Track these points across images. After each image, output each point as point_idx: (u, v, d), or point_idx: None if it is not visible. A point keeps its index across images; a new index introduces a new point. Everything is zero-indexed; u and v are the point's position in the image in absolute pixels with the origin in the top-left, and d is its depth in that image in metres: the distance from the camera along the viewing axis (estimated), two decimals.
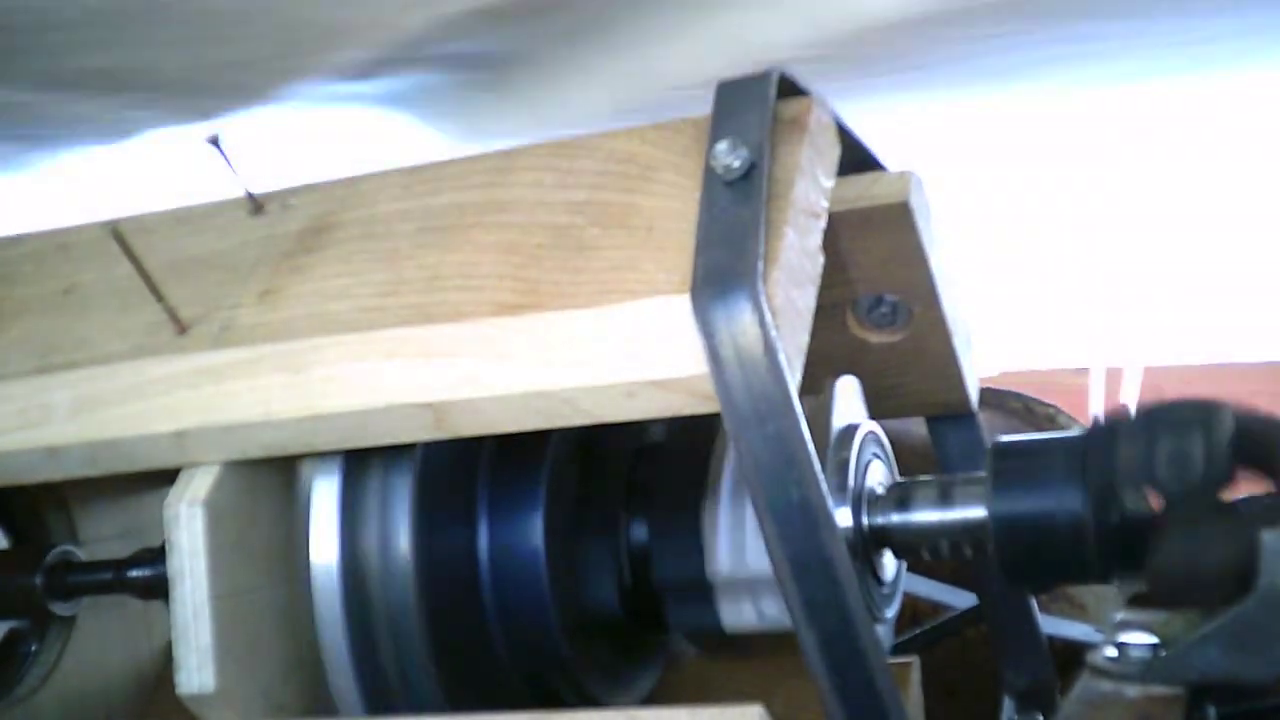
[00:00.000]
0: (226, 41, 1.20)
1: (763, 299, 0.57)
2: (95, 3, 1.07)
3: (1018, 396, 1.15)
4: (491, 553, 0.72)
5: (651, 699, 0.80)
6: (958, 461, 0.81)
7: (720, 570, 0.69)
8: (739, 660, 0.79)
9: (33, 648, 0.91)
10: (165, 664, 0.95)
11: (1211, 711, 0.62)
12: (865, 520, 0.68)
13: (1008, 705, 0.81)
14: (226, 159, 0.73)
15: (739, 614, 0.71)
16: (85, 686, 0.92)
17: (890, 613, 0.71)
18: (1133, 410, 0.63)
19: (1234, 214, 2.10)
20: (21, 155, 1.54)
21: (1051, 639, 0.84)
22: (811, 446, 0.58)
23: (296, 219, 0.74)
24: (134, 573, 0.81)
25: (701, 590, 0.70)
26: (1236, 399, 0.63)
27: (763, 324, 0.57)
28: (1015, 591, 0.81)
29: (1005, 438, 0.68)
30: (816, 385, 0.69)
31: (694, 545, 0.70)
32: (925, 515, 0.68)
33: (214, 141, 0.72)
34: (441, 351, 0.64)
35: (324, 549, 0.68)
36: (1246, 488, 0.62)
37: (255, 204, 0.75)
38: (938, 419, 0.81)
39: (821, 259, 0.63)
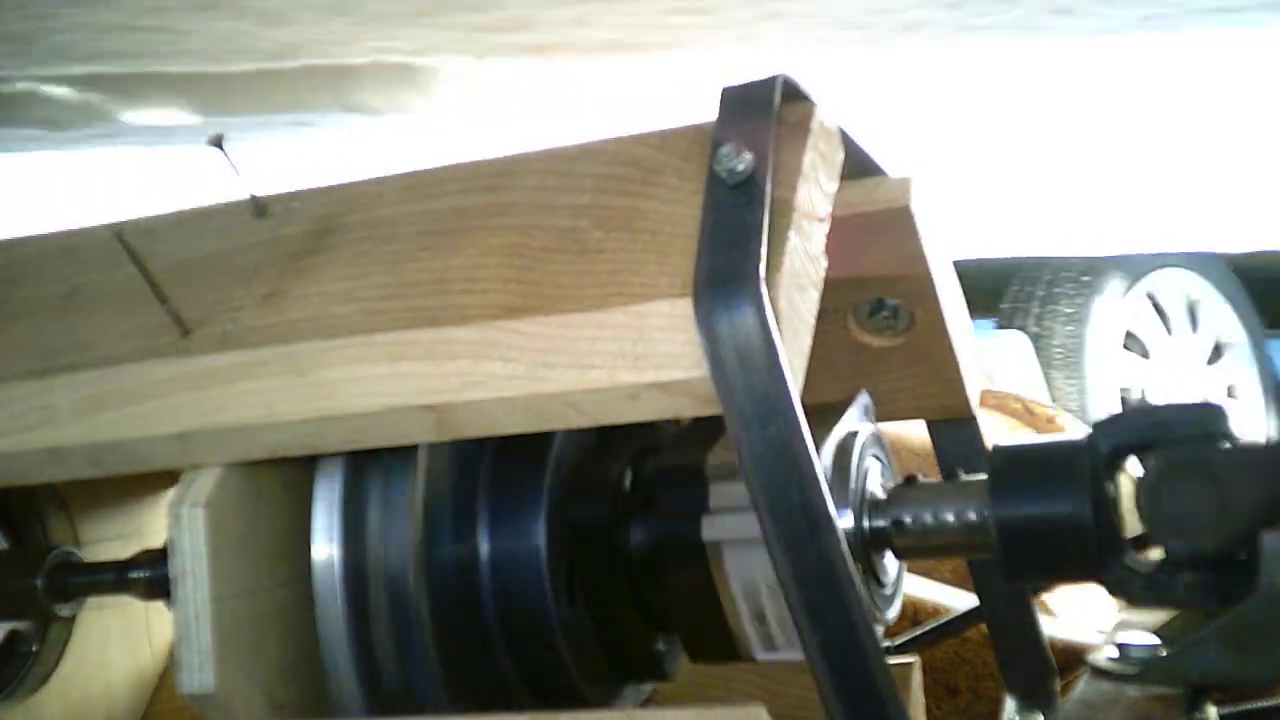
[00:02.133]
0: None
1: (765, 302, 0.57)
2: None
3: (1018, 398, 1.15)
4: (493, 554, 0.72)
5: (653, 700, 0.80)
6: (958, 463, 0.81)
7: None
8: (740, 661, 0.78)
9: (34, 648, 0.91)
10: (166, 664, 0.95)
11: (1212, 711, 0.62)
12: (866, 523, 0.68)
13: (1008, 705, 0.81)
14: (229, 161, 0.73)
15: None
16: (86, 687, 0.92)
17: (891, 613, 0.71)
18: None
19: None
20: None
21: (1052, 638, 0.84)
22: (813, 450, 0.58)
23: (300, 221, 0.73)
24: (135, 574, 0.81)
25: (703, 588, 0.70)
26: None
27: (765, 327, 0.57)
28: (1016, 592, 0.81)
29: (1006, 441, 0.68)
30: (817, 388, 0.69)
31: (696, 544, 0.70)
32: (926, 517, 0.68)
33: (216, 143, 0.72)
34: (444, 354, 0.64)
35: (326, 550, 0.67)
36: None
37: (258, 206, 0.75)
38: (938, 421, 0.81)
39: (825, 263, 0.63)
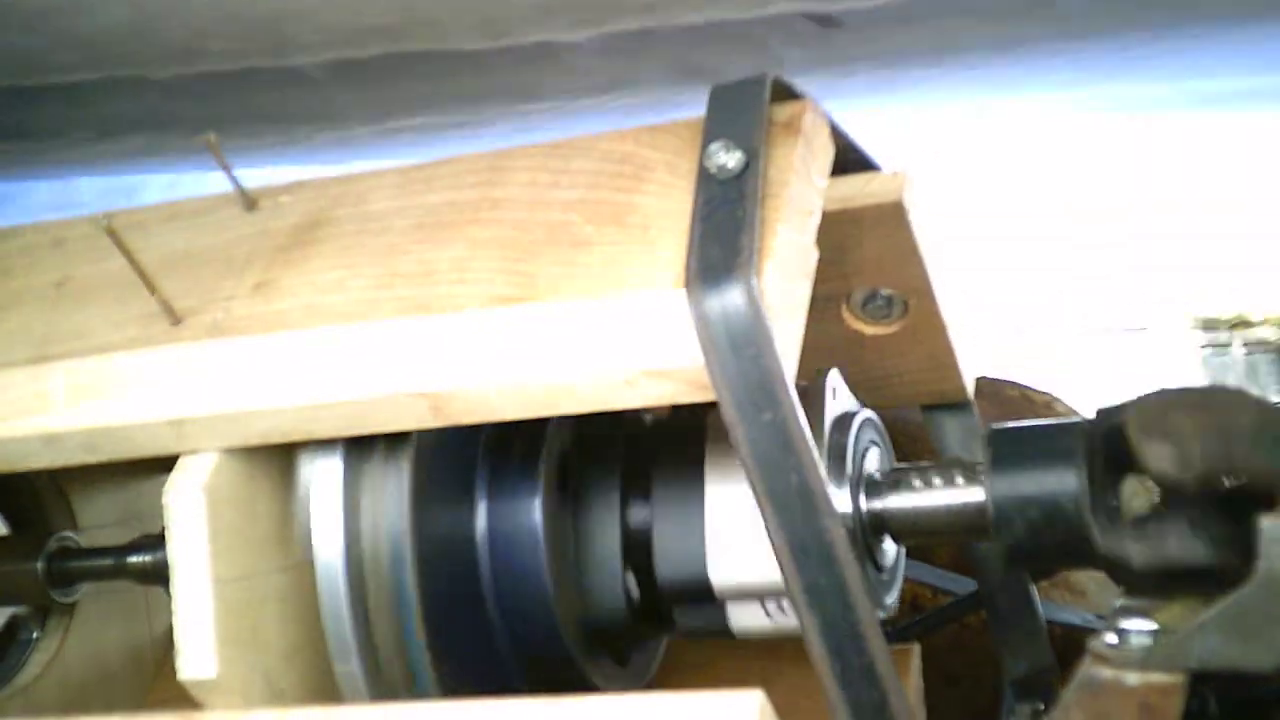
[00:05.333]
0: None
1: (756, 288, 0.57)
2: None
3: (1014, 384, 1.14)
4: (491, 536, 0.72)
5: (652, 685, 0.80)
6: (955, 448, 0.81)
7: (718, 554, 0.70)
8: (739, 645, 0.79)
9: (34, 634, 0.91)
10: (166, 650, 0.96)
11: (1211, 698, 0.62)
12: (864, 505, 0.68)
13: (1008, 692, 0.81)
14: (221, 159, 0.73)
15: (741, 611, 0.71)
16: (86, 672, 0.93)
17: (890, 599, 0.71)
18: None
19: None
20: None
21: (1051, 625, 0.84)
22: (809, 433, 0.58)
23: (290, 215, 0.73)
24: (134, 558, 0.81)
25: (700, 577, 0.70)
26: None
27: (757, 312, 0.57)
28: (1015, 576, 0.81)
29: (1004, 424, 0.67)
30: (813, 376, 0.69)
31: (694, 528, 0.70)
32: (924, 500, 0.68)
33: (208, 140, 0.72)
34: (438, 341, 0.64)
35: (326, 534, 0.67)
36: None
37: (248, 200, 0.75)
38: (934, 408, 0.81)
39: (816, 254, 0.63)
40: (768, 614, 0.70)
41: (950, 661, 0.97)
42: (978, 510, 0.66)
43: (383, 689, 0.68)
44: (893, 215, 0.71)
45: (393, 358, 0.64)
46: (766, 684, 0.57)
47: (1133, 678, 0.59)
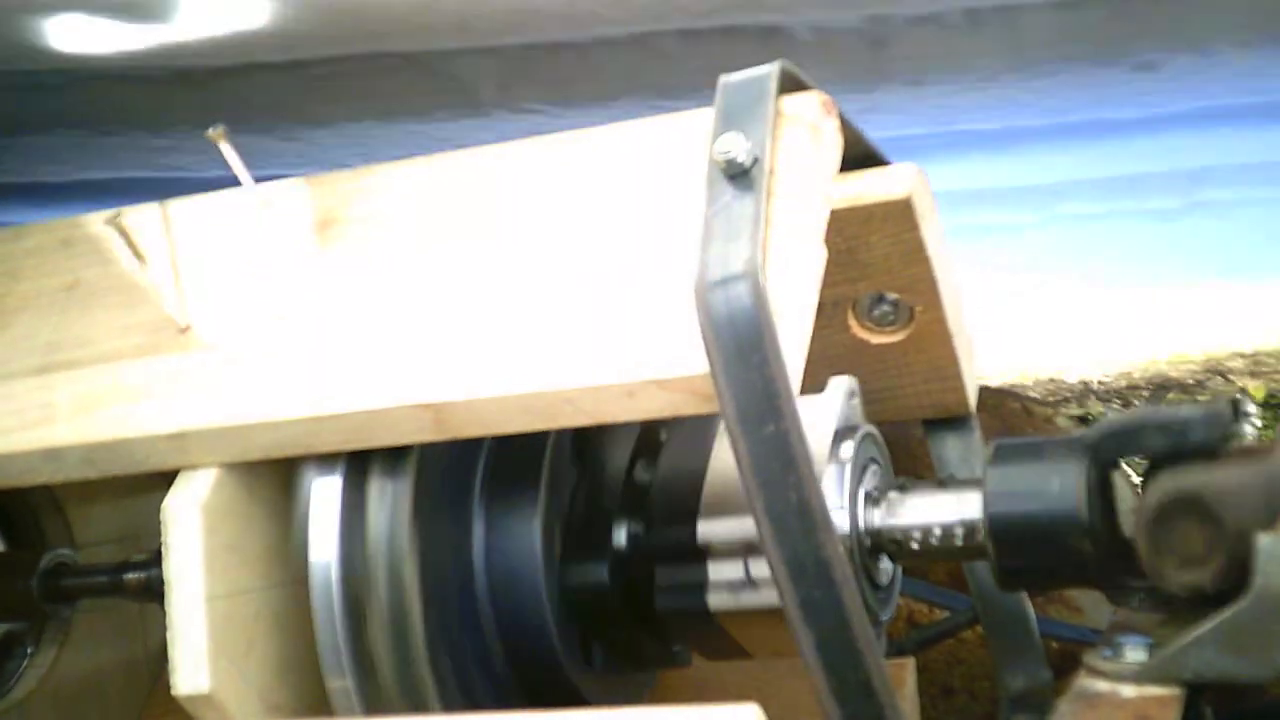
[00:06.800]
0: None
1: (764, 296, 0.57)
2: None
3: (1016, 398, 1.14)
4: (488, 553, 0.72)
5: (648, 700, 0.80)
6: (955, 465, 0.80)
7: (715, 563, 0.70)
8: (736, 660, 0.79)
9: (29, 649, 0.91)
10: (160, 664, 0.95)
11: (1208, 711, 0.62)
12: (862, 524, 0.68)
13: (1005, 704, 0.81)
14: (232, 155, 0.72)
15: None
16: (81, 687, 0.92)
17: (886, 614, 0.71)
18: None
19: None
20: None
21: (1048, 639, 0.84)
22: (810, 448, 0.57)
23: (301, 215, 0.73)
24: (130, 575, 0.81)
25: (697, 586, 0.70)
26: None
27: (764, 322, 0.57)
28: (1011, 596, 0.81)
29: (1004, 440, 0.67)
30: (817, 385, 0.69)
31: (692, 547, 0.70)
32: (921, 518, 0.68)
33: (218, 136, 0.72)
34: (442, 352, 0.64)
35: (323, 549, 0.67)
36: None
37: (260, 199, 0.75)
38: (935, 422, 0.81)
39: (824, 255, 0.62)
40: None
41: (947, 675, 0.97)
42: (976, 530, 0.66)
43: (376, 705, 0.68)
44: (901, 213, 0.70)
45: (398, 368, 0.64)
46: (762, 697, 0.57)
47: (1128, 690, 0.59)
